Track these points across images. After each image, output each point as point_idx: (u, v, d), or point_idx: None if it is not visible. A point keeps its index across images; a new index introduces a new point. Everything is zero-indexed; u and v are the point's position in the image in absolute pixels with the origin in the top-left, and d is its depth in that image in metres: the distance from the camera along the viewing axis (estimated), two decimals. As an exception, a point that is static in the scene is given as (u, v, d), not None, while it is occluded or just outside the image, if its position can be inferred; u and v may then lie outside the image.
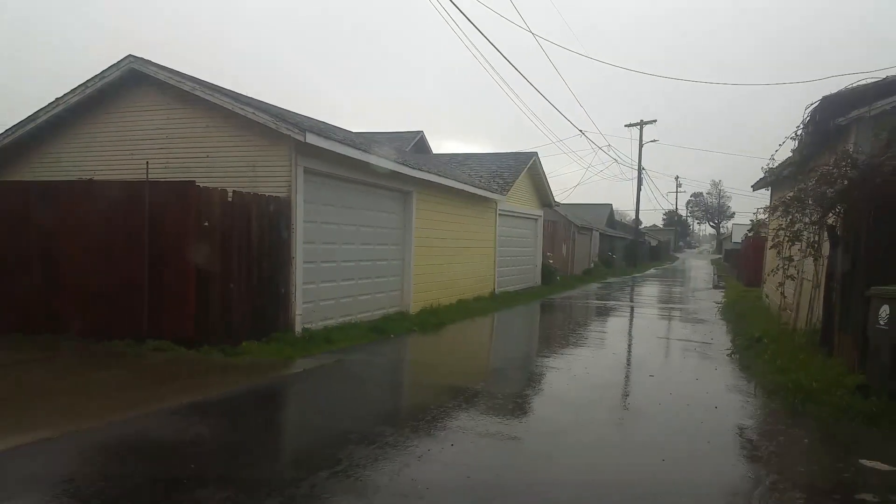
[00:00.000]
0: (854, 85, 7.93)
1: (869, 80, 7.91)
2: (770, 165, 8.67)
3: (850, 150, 7.92)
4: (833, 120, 8.02)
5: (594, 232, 34.28)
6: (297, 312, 9.16)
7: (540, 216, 22.43)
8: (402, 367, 9.19)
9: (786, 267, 8.53)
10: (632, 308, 18.03)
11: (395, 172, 11.41)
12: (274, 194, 8.78)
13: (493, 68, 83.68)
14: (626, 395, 7.38)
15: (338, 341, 9.13)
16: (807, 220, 8.24)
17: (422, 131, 23.84)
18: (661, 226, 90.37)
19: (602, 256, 36.35)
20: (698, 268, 48.13)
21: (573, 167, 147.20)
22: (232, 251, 8.10)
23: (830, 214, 7.91)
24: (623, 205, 59.92)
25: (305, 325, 9.35)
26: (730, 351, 9.59)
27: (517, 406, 6.69)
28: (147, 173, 8.04)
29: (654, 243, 60.54)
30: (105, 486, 4.03)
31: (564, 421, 6.07)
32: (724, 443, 5.40)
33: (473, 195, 15.81)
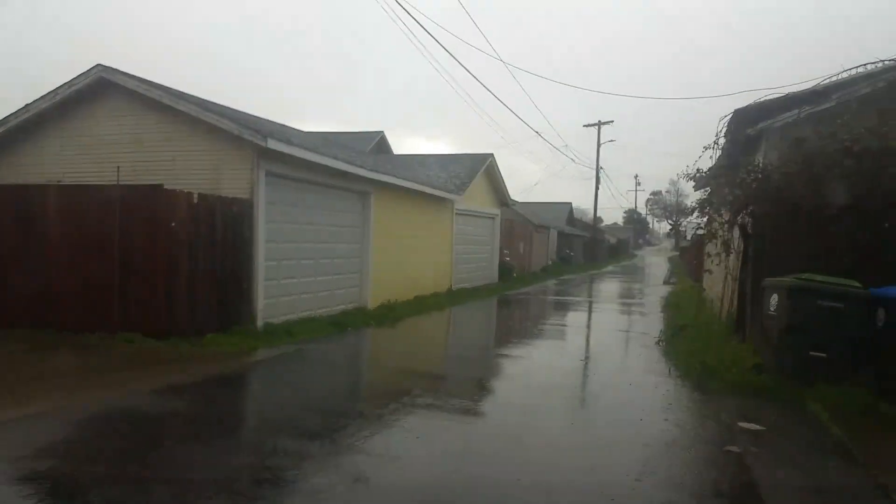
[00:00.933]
0: (761, 100, 9.01)
1: (774, 96, 8.99)
2: (691, 171, 9.67)
3: (761, 157, 8.99)
4: (744, 131, 9.08)
5: (552, 230, 35.44)
6: (259, 307, 9.84)
7: (497, 215, 23.36)
8: (357, 356, 9.99)
9: (704, 262, 9.57)
10: (582, 303, 19.10)
11: (353, 174, 12.15)
12: (237, 196, 9.45)
13: (453, 78, 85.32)
14: (560, 377, 8.27)
15: (298, 334, 9.84)
16: (721, 220, 9.28)
17: (382, 132, 24.56)
18: (622, 224, 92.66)
19: (560, 254, 37.56)
20: (655, 265, 49.79)
21: (535, 166, 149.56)
22: (197, 250, 8.76)
23: (741, 215, 8.95)
24: (584, 203, 61.33)
25: (267, 320, 10.03)
26: (658, 339, 10.61)
27: (459, 381, 7.55)
28: (118, 177, 8.65)
29: (613, 241, 62.25)
30: (97, 444, 4.75)
31: (509, 392, 6.96)
32: (634, 411, 6.33)
33: (431, 195, 16.62)
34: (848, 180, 7.36)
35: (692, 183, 9.99)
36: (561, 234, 39.12)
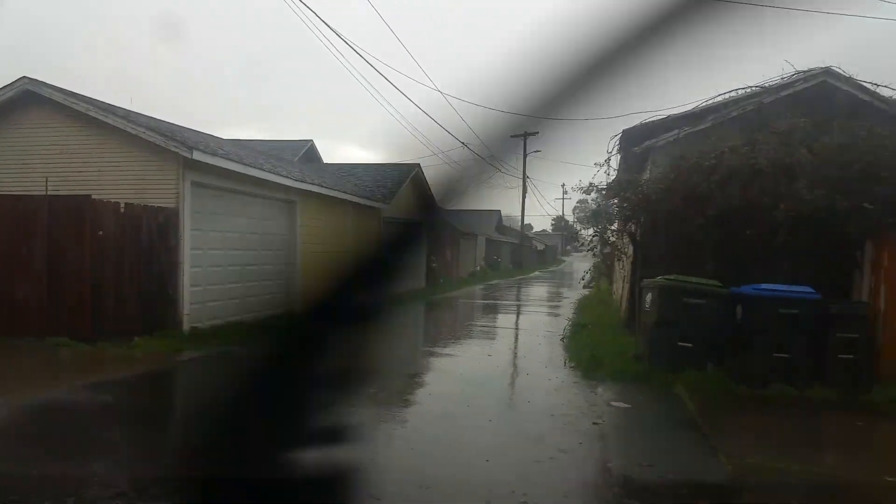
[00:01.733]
0: (647, 121, 10.18)
1: (659, 118, 10.18)
2: (583, 185, 10.77)
3: (648, 172, 10.15)
4: (631, 149, 10.23)
5: (480, 237, 36.59)
6: (185, 312, 10.28)
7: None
8: (258, 358, 10.53)
9: (598, 266, 10.68)
10: (503, 306, 20.16)
11: (279, 183, 12.72)
12: (163, 205, 9.90)
13: (378, 91, 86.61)
14: (468, 369, 9.13)
15: (223, 338, 10.30)
16: (613, 228, 10.40)
17: (311, 140, 25.01)
18: (551, 231, 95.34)
19: (488, 260, 38.77)
20: (579, 270, 51.72)
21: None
22: (124, 257, 9.18)
23: (629, 224, 10.09)
24: (514, 211, 63.05)
25: (194, 324, 10.47)
26: (562, 336, 11.65)
27: (381, 373, 8.29)
28: (46, 188, 8.98)
29: (541, 247, 64.16)
30: (36, 430, 5.25)
31: (428, 382, 7.76)
32: (527, 394, 7.25)
33: (358, 203, 17.29)
34: (714, 194, 8.53)
35: (587, 195, 11.09)
36: (489, 241, 40.36)
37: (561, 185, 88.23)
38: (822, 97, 9.44)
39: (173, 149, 9.85)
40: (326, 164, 24.61)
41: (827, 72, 9.55)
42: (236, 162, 11.25)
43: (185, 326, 10.20)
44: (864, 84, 9.45)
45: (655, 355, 8.18)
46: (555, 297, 23.42)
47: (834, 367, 7.55)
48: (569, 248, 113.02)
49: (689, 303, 7.97)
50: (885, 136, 8.46)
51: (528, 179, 42.62)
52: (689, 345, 8.00)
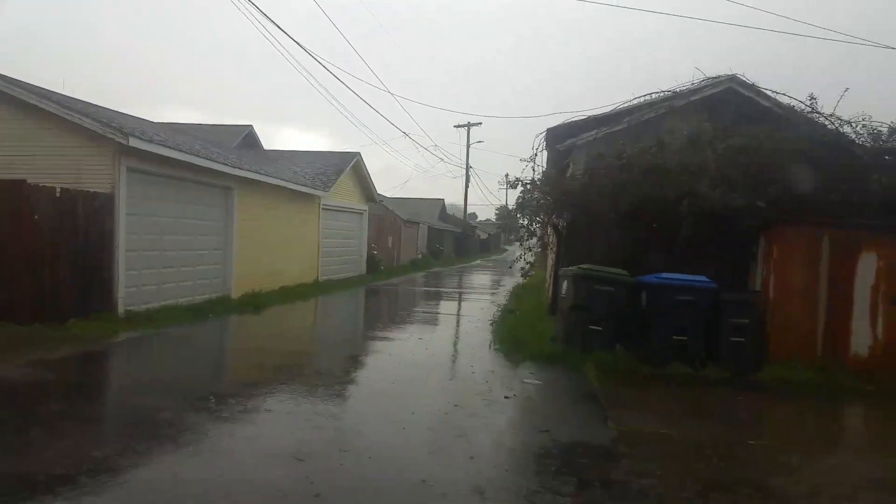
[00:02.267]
0: (569, 121, 10.93)
1: (580, 118, 10.94)
2: (511, 180, 11.43)
3: (571, 169, 10.89)
4: (555, 146, 10.96)
5: (422, 225, 37.17)
6: (120, 295, 10.50)
7: (365, 210, 24.58)
8: (215, 338, 10.93)
9: (523, 256, 11.40)
10: (442, 293, 20.82)
11: (216, 170, 12.95)
12: (99, 191, 10.07)
13: (318, 82, 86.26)
14: (403, 350, 9.70)
15: (159, 320, 10.60)
16: (539, 220, 11.13)
17: (251, 126, 24.91)
18: (495, 220, 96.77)
19: (430, 248, 39.39)
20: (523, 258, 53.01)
21: (411, 162, 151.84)
22: (60, 241, 9.35)
23: (553, 217, 10.82)
24: (458, 199, 63.85)
25: (129, 307, 10.70)
26: (492, 321, 12.37)
27: (313, 357, 8.80)
28: (-20, 172, 9.06)
29: (484, 236, 65.22)
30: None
31: (360, 358, 8.28)
32: (451, 373, 7.87)
33: (297, 191, 17.58)
34: (625, 191, 9.32)
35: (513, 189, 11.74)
36: (432, 229, 40.97)
37: (505, 176, 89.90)
38: (728, 102, 10.37)
39: (109, 135, 10.02)
40: (266, 150, 24.62)
41: (732, 79, 10.48)
42: (172, 149, 11.45)
43: (121, 309, 10.43)
44: (766, 91, 10.41)
45: (570, 338, 8.93)
46: (493, 285, 24.22)
47: (726, 349, 8.44)
48: (511, 237, 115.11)
49: (600, 290, 8.73)
50: (781, 140, 9.40)
51: (471, 169, 43.47)
52: (600, 328, 8.76)
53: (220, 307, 12.73)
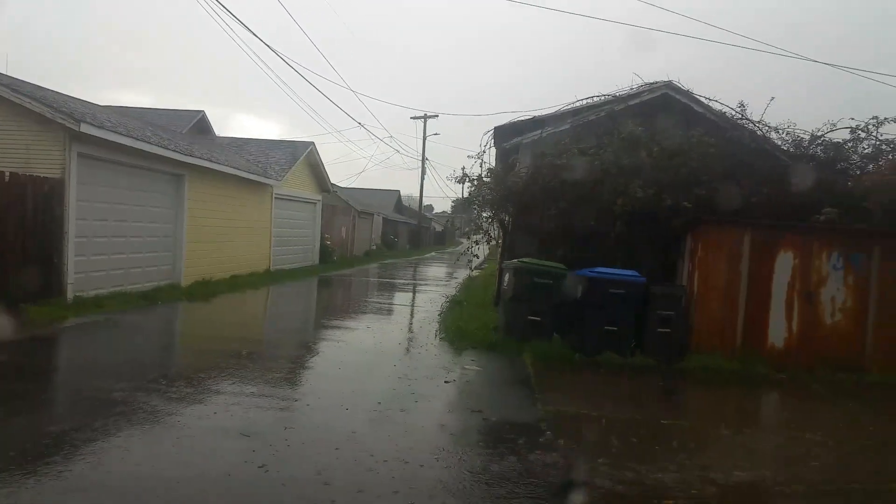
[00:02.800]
0: (516, 120, 11.46)
1: (525, 118, 11.49)
2: (456, 176, 11.94)
3: (518, 166, 11.43)
4: (502, 144, 11.49)
5: (376, 216, 37.43)
6: (69, 281, 10.61)
7: (318, 200, 24.77)
8: (164, 325, 11.15)
9: (469, 249, 11.93)
10: (395, 284, 21.24)
11: (168, 157, 13.08)
12: (49, 176, 10.16)
13: (274, 73, 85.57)
14: (352, 338, 10.12)
15: (108, 306, 10.77)
16: (485, 215, 11.66)
17: (203, 111, 24.83)
18: (451, 212, 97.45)
19: (385, 239, 39.71)
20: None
21: (366, 153, 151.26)
22: (8, 226, 9.43)
23: (498, 212, 11.36)
24: (415, 191, 64.25)
25: (77, 293, 10.82)
26: (440, 311, 12.87)
27: (257, 342, 9.14)
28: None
29: (439, 228, 65.70)
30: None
31: (312, 345, 8.65)
32: (397, 359, 8.33)
33: (249, 179, 17.73)
34: (564, 189, 9.91)
35: (461, 185, 12.29)
36: (386, 220, 41.27)
37: (461, 169, 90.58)
38: (664, 107, 11.05)
39: (60, 120, 10.11)
40: (219, 137, 24.55)
41: (668, 85, 11.16)
42: (124, 135, 11.57)
43: (70, 295, 10.55)
44: (699, 97, 11.14)
45: (510, 327, 9.50)
46: (445, 277, 24.73)
47: (653, 339, 9.15)
48: (467, 229, 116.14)
49: (539, 282, 9.32)
50: (711, 145, 10.12)
51: (427, 161, 43.88)
52: (538, 318, 9.37)
53: (170, 294, 12.90)
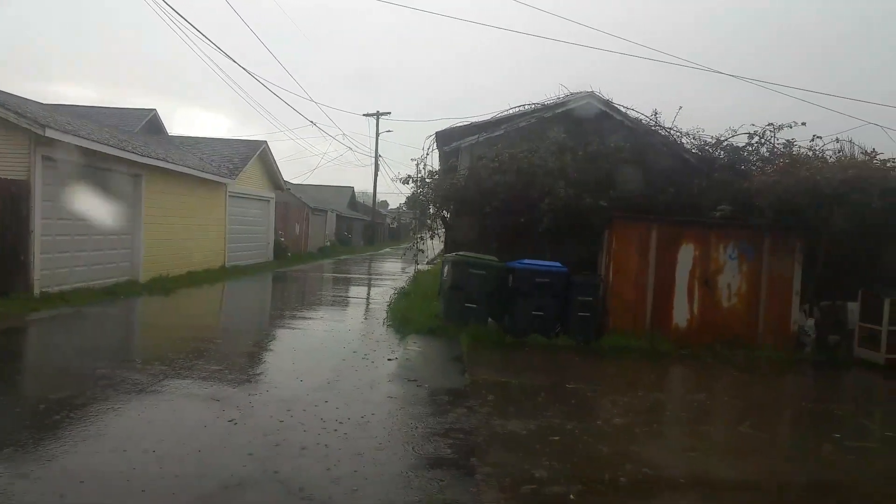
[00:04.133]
0: (455, 126, 12.74)
1: (463, 124, 12.78)
2: (401, 178, 13.14)
3: (459, 167, 12.70)
4: (444, 147, 12.74)
5: (330, 213, 38.35)
6: (35, 277, 11.46)
7: (272, 198, 25.66)
8: (129, 315, 12.10)
9: (415, 244, 13.18)
10: (348, 279, 22.33)
11: (126, 158, 13.94)
12: (16, 178, 11.00)
13: (225, 74, 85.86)
14: (307, 324, 11.25)
15: (74, 300, 11.66)
16: (429, 212, 12.90)
17: (155, 110, 25.29)
18: (406, 209, 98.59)
19: (339, 236, 40.64)
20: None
21: (320, 151, 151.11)
22: (-21, 225, 10.28)
23: (440, 209, 12.62)
24: (369, 187, 65.21)
25: (44, 289, 11.67)
26: (389, 302, 14.08)
27: (213, 331, 10.20)
28: None
29: (394, 225, 66.71)
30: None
31: (265, 334, 9.76)
32: (348, 344, 9.51)
33: (203, 178, 18.59)
34: (497, 189, 11.21)
35: (406, 185, 13.51)
36: (340, 217, 42.19)
37: (416, 165, 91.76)
38: (588, 115, 12.47)
39: (25, 125, 10.97)
40: (172, 136, 25.14)
41: (591, 94, 12.58)
42: (86, 139, 12.43)
43: (36, 291, 11.40)
44: (618, 106, 12.59)
45: (449, 314, 10.78)
46: (397, 272, 25.90)
47: (575, 322, 10.53)
48: (429, 223, 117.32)
49: (474, 273, 10.62)
50: (626, 150, 11.58)
51: (381, 158, 44.90)
52: (474, 305, 10.66)
53: (130, 289, 13.79)
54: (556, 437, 5.64)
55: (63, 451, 4.71)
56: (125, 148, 14.08)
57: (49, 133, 11.16)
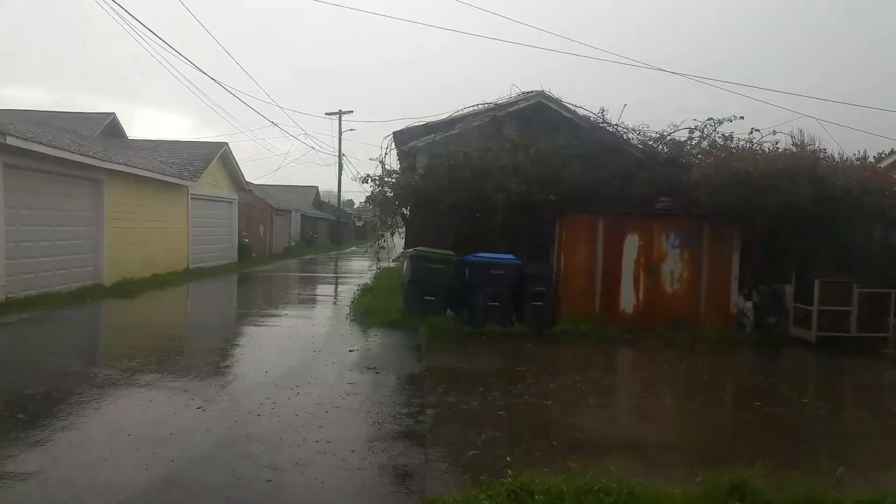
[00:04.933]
0: (412, 126, 13.29)
1: (419, 124, 13.34)
2: (362, 176, 13.63)
3: (416, 166, 13.26)
4: (401, 146, 13.29)
5: (294, 213, 38.60)
6: (1, 283, 11.72)
7: (235, 199, 25.92)
8: (97, 317, 12.41)
9: (377, 241, 13.70)
10: (314, 279, 22.75)
11: (89, 164, 14.20)
12: (-21, 186, 11.26)
13: (182, 74, 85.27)
14: (269, 323, 11.71)
15: (41, 305, 11.94)
16: (388, 210, 13.42)
17: (114, 113, 25.44)
18: (371, 207, 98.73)
19: (304, 235, 40.88)
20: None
21: (282, 151, 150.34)
22: (-56, 233, 10.53)
23: (399, 207, 13.16)
24: (334, 186, 65.36)
25: (9, 294, 11.93)
26: (353, 298, 14.59)
27: (178, 328, 10.62)
28: None
29: (360, 224, 66.94)
30: None
31: (235, 329, 10.20)
32: (314, 336, 10.02)
33: (165, 181, 18.85)
34: (453, 186, 11.79)
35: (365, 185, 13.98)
36: (305, 217, 42.43)
37: (380, 163, 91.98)
38: (538, 113, 13.14)
39: (-13, 134, 11.22)
40: (132, 139, 25.30)
41: (541, 94, 13.25)
42: (48, 146, 12.70)
43: (2, 296, 11.67)
44: (567, 104, 13.27)
45: (409, 306, 11.34)
46: (363, 270, 26.36)
47: (529, 311, 11.18)
48: (389, 221, 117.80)
49: (432, 267, 11.20)
50: (576, 146, 12.27)
51: (345, 157, 45.21)
52: (433, 298, 11.24)
53: (96, 293, 14.08)
54: (502, 412, 6.26)
55: (44, 437, 5.17)
56: (87, 154, 14.33)
57: (11, 140, 11.42)
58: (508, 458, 4.92)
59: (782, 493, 4.12)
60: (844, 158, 13.05)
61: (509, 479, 4.14)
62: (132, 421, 5.70)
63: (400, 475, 4.67)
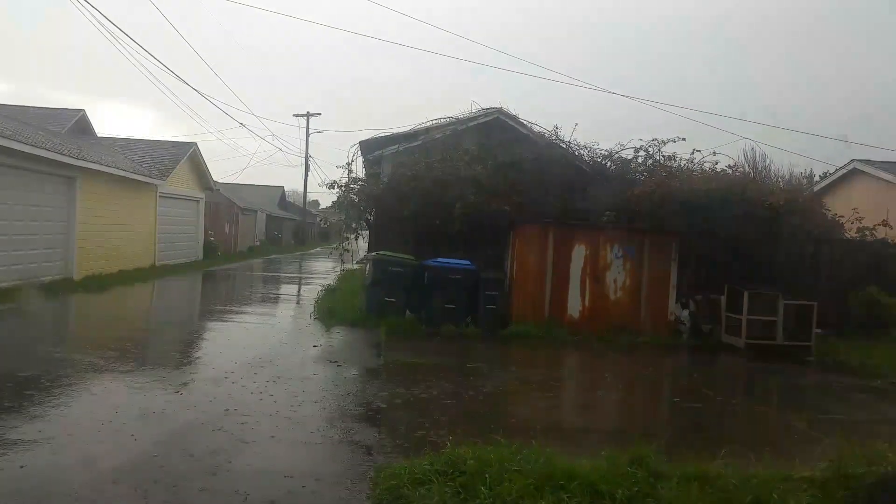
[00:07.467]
0: (377, 136, 14.07)
1: (385, 135, 14.13)
2: (329, 181, 14.38)
3: (382, 174, 14.03)
4: (367, 156, 14.06)
5: (259, 213, 38.98)
6: (-27, 275, 12.16)
7: (201, 198, 26.30)
8: (70, 310, 12.91)
9: (341, 244, 14.43)
10: (279, 278, 23.32)
11: (61, 161, 14.65)
12: (-44, 181, 11.68)
13: (150, 73, 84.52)
14: (241, 317, 12.35)
15: (12, 298, 12.33)
16: (354, 215, 14.18)
17: (83, 110, 25.56)
18: (326, 210, 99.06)
19: (269, 235, 41.25)
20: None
21: (249, 151, 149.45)
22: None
23: (364, 212, 13.93)
24: (300, 187, 65.51)
25: (-19, 287, 12.36)
26: (317, 298, 15.28)
27: (148, 320, 11.21)
28: None
29: (325, 225, 67.24)
30: None
31: (205, 324, 10.82)
32: (279, 333, 10.70)
33: (135, 179, 19.26)
34: (414, 195, 12.61)
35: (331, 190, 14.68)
36: (270, 217, 42.78)
37: (347, 165, 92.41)
38: (497, 128, 14.05)
39: (-37, 130, 11.66)
40: (102, 137, 25.47)
41: (499, 110, 14.17)
42: (21, 143, 13.13)
43: (-26, 288, 12.10)
44: (524, 121, 14.22)
45: (370, 307, 12.10)
46: (327, 271, 26.97)
47: (483, 313, 12.03)
48: (354, 225, 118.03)
49: (393, 270, 11.99)
50: (530, 161, 13.19)
51: (312, 158, 45.66)
52: (393, 299, 12.02)
53: (65, 287, 14.51)
54: (449, 401, 7.09)
55: (39, 412, 5.82)
56: (61, 151, 14.76)
57: (-10, 138, 11.88)
58: (451, 438, 5.73)
59: (676, 466, 5.00)
60: (793, 176, 14.28)
61: (448, 449, 4.95)
62: (121, 401, 6.37)
63: (357, 448, 5.45)
